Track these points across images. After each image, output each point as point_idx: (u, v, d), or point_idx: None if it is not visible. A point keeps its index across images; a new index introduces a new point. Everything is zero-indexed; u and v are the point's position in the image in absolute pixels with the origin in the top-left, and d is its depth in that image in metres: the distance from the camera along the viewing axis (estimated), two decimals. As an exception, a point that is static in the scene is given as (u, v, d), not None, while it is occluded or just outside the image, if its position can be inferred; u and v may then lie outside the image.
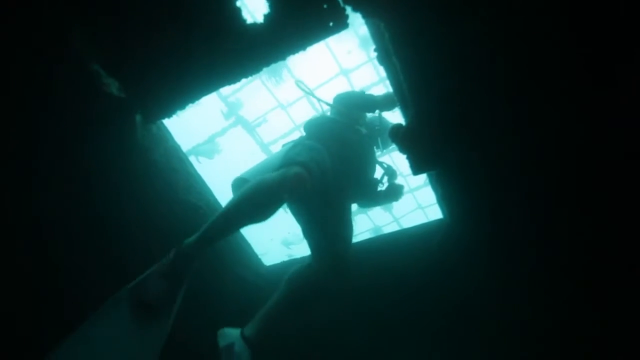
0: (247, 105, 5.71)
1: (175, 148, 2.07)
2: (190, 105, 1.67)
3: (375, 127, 2.43)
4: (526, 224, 1.65)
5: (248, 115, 5.29)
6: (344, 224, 1.98)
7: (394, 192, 2.41)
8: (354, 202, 2.32)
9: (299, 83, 2.67)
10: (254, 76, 5.19)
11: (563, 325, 1.77)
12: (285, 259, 2.42)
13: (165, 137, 2.04)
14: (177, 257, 1.40)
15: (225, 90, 5.27)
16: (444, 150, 1.51)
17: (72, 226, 1.83)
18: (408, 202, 6.52)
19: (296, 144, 2.00)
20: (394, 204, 6.07)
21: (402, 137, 1.55)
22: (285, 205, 2.00)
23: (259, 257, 2.49)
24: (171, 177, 1.97)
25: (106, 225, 1.87)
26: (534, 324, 1.82)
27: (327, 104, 2.54)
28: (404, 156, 1.57)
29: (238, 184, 1.91)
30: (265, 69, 5.21)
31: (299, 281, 1.82)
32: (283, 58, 1.52)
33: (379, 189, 2.34)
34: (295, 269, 1.91)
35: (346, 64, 4.95)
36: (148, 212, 1.89)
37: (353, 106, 2.38)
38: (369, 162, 2.29)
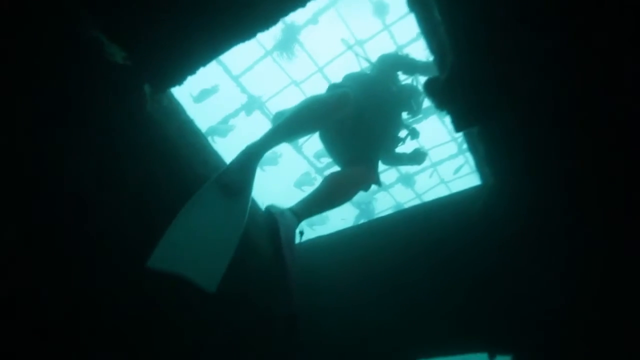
0: (259, 84, 5.54)
1: (189, 122, 1.94)
2: (202, 68, 1.52)
3: (407, 90, 2.64)
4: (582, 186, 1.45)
5: (260, 94, 5.13)
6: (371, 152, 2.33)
7: (417, 156, 2.83)
8: (377, 153, 2.56)
9: (344, 41, 3.53)
10: (264, 54, 5.01)
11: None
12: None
13: (177, 111, 1.90)
14: (246, 154, 1.78)
15: (236, 69, 5.11)
16: (490, 102, 1.32)
17: (83, 208, 1.74)
18: (430, 178, 6.31)
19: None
20: (416, 179, 6.03)
21: (440, 91, 1.37)
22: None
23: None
24: (186, 152, 1.85)
25: (119, 204, 1.77)
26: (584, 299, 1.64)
27: (368, 60, 2.87)
28: (444, 112, 1.40)
29: (278, 116, 2.34)
30: (275, 45, 5.03)
31: (335, 175, 2.14)
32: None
33: (399, 145, 2.64)
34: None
35: (360, 34, 4.70)
36: (163, 190, 1.78)
37: (394, 65, 2.63)
38: (392, 119, 2.54)
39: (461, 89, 1.29)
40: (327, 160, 5.00)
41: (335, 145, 2.45)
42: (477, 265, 1.73)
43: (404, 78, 2.82)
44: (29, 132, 1.59)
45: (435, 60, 1.51)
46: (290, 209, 1.82)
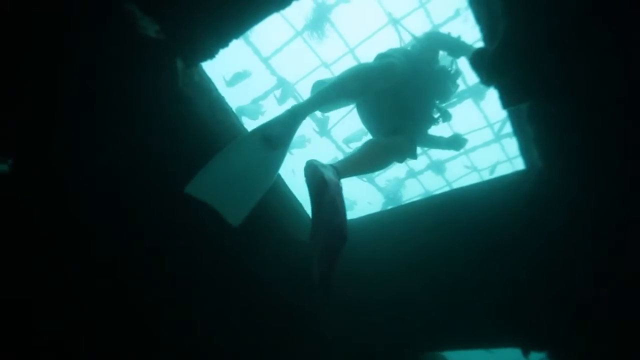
0: (288, 66, 5.48)
1: (220, 99, 1.91)
2: (234, 41, 1.47)
3: (447, 71, 2.59)
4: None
5: (290, 77, 5.06)
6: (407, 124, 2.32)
7: (456, 141, 2.78)
8: (414, 128, 2.52)
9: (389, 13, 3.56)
10: (295, 34, 4.91)
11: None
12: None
13: (209, 88, 1.88)
14: (291, 112, 1.86)
15: (266, 51, 5.05)
16: (547, 74, 1.19)
17: (113, 183, 1.76)
18: (461, 165, 6.07)
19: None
20: (446, 166, 5.79)
21: (489, 62, 1.25)
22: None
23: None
24: (216, 129, 1.83)
25: (147, 181, 1.78)
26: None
27: (412, 35, 2.86)
28: (491, 87, 1.28)
29: (318, 85, 2.29)
30: (306, 25, 4.87)
31: (375, 140, 2.19)
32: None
33: (432, 126, 2.61)
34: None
35: (395, 13, 4.49)
36: (192, 167, 1.77)
37: (440, 44, 2.58)
38: (429, 98, 2.51)
39: (513, 59, 1.17)
40: (356, 145, 4.89)
41: (373, 116, 2.44)
42: (518, 256, 1.61)
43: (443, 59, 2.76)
44: (62, 105, 1.62)
45: (482, 30, 1.38)
46: (332, 165, 1.79)
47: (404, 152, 2.24)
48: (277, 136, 1.79)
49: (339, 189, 1.49)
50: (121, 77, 1.62)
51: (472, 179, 6.44)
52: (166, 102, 1.70)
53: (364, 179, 6.27)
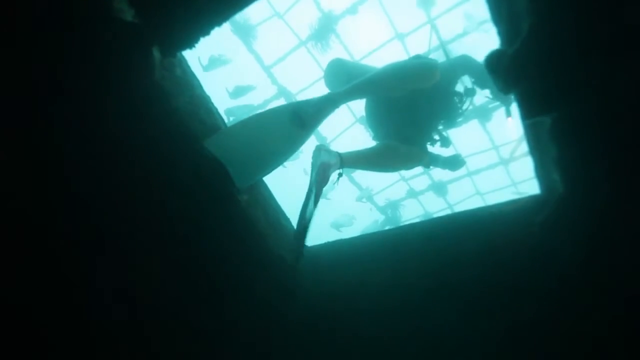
0: (291, 76, 5.34)
1: (204, 98, 1.74)
2: (217, 28, 1.29)
3: (461, 97, 2.52)
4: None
5: (291, 86, 4.92)
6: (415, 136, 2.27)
7: (454, 161, 2.62)
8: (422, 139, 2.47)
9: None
10: (299, 43, 4.80)
11: None
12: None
13: (191, 84, 1.71)
14: (328, 98, 1.86)
15: (268, 60, 4.93)
16: (573, 82, 1.00)
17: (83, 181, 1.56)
18: (464, 188, 5.87)
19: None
20: (449, 187, 5.57)
21: (508, 65, 1.07)
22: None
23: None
24: (197, 129, 1.64)
25: (119, 176, 1.58)
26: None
27: (446, 53, 2.81)
28: (509, 96, 1.09)
29: (337, 64, 2.26)
30: (311, 34, 4.72)
31: (393, 143, 2.12)
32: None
33: (428, 144, 2.51)
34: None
35: (402, 27, 4.39)
36: (168, 168, 1.57)
37: (469, 70, 2.47)
38: (436, 115, 2.41)
39: (537, 62, 0.98)
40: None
41: (384, 118, 2.40)
42: (527, 302, 1.38)
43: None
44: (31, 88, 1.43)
45: (500, 31, 1.21)
46: (338, 152, 1.87)
47: (418, 162, 2.28)
48: (307, 116, 1.78)
49: (327, 168, 1.71)
50: (92, 63, 1.45)
51: (475, 203, 6.23)
52: (141, 95, 1.52)
53: (364, 200, 6.08)
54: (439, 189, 5.71)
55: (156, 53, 1.42)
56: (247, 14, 4.93)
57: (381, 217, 6.51)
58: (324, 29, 4.51)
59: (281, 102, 4.90)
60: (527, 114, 1.06)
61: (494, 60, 1.11)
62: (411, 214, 6.45)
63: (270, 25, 4.77)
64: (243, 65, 4.97)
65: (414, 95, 2.17)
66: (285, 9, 4.70)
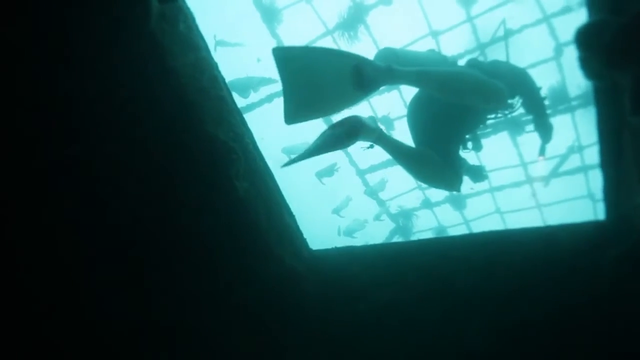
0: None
1: (209, 62, 1.47)
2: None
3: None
4: None
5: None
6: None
7: (477, 170, 2.43)
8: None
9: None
10: (325, 32, 4.52)
11: None
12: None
13: (197, 45, 1.44)
14: (389, 68, 1.76)
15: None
16: None
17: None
18: (483, 203, 5.51)
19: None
20: (467, 201, 5.23)
21: (611, 41, 0.77)
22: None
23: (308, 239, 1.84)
24: (196, 97, 1.38)
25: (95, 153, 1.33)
26: None
27: (508, 60, 2.65)
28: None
29: (389, 52, 2.07)
30: (339, 23, 4.37)
31: (434, 155, 2.01)
32: None
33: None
34: None
35: (437, 24, 4.08)
36: (161, 135, 1.32)
37: (522, 90, 2.29)
38: (463, 128, 2.28)
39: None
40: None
41: (415, 121, 2.31)
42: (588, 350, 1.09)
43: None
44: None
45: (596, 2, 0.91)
46: (380, 129, 1.90)
47: (447, 187, 2.25)
48: (364, 76, 1.70)
49: (354, 129, 1.73)
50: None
51: (495, 222, 5.87)
52: (133, 51, 1.27)
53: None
54: (457, 201, 5.36)
55: (154, -2, 1.16)
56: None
57: (392, 225, 6.18)
58: (354, 19, 4.21)
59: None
60: (635, 109, 0.76)
61: (592, 31, 0.81)
62: (423, 224, 6.11)
63: (297, 9, 4.48)
64: (261, 52, 4.69)
65: (463, 108, 2.07)
66: (315, -6, 4.42)
